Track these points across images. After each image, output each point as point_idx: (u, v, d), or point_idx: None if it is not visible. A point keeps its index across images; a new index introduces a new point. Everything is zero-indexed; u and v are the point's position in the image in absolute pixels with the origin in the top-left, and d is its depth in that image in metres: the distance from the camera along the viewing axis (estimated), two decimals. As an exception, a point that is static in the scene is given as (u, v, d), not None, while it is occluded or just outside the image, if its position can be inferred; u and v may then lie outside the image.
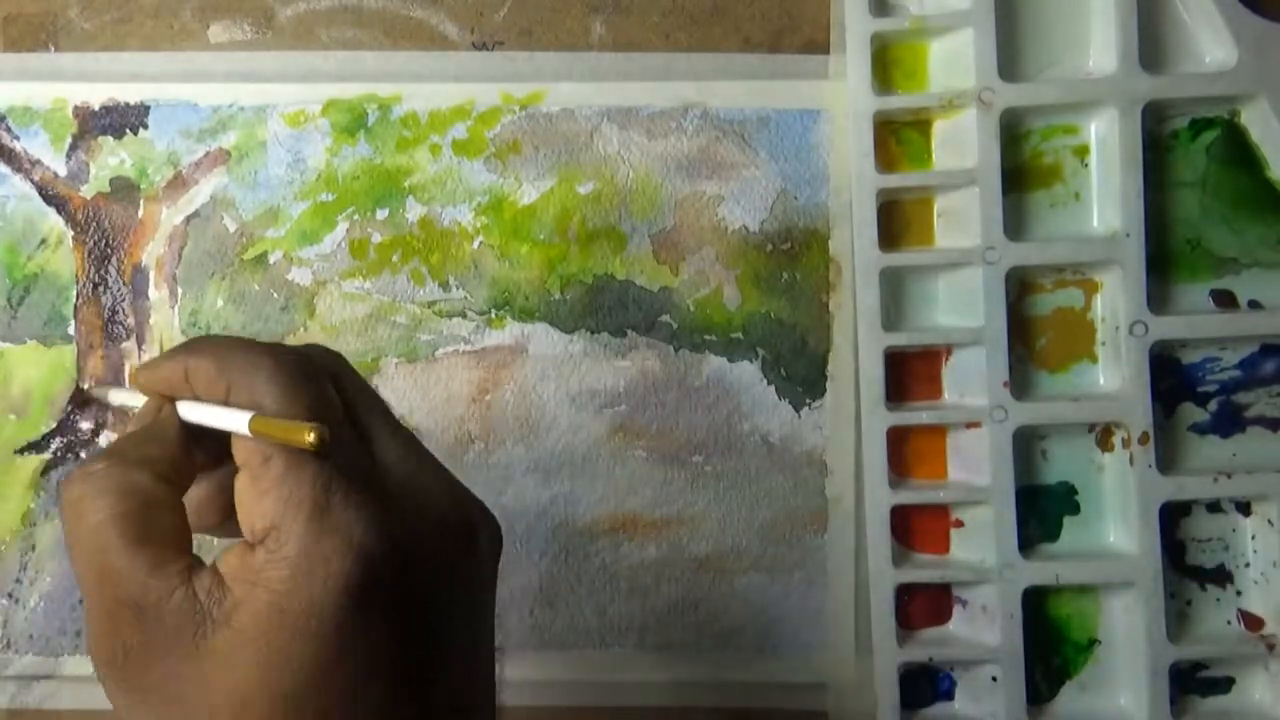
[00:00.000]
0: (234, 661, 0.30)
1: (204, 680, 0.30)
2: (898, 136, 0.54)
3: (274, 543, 0.30)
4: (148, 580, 0.30)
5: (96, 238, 0.54)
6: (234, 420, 0.32)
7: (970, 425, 0.52)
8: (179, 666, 0.30)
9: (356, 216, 0.54)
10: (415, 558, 0.32)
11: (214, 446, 0.34)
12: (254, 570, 0.30)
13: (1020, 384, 0.52)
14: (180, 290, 0.54)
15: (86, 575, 0.31)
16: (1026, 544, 0.52)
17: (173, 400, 0.35)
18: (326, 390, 0.34)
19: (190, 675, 0.30)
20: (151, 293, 0.54)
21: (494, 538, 0.36)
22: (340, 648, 0.30)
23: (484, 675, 0.35)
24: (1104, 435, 0.53)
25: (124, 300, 0.54)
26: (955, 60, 0.52)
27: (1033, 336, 0.53)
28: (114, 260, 0.54)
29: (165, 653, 0.30)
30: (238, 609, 0.30)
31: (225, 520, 0.35)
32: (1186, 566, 0.52)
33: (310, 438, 0.29)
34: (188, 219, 0.54)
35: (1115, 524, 0.52)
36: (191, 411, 0.34)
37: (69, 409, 0.53)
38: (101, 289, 0.54)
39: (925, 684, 0.53)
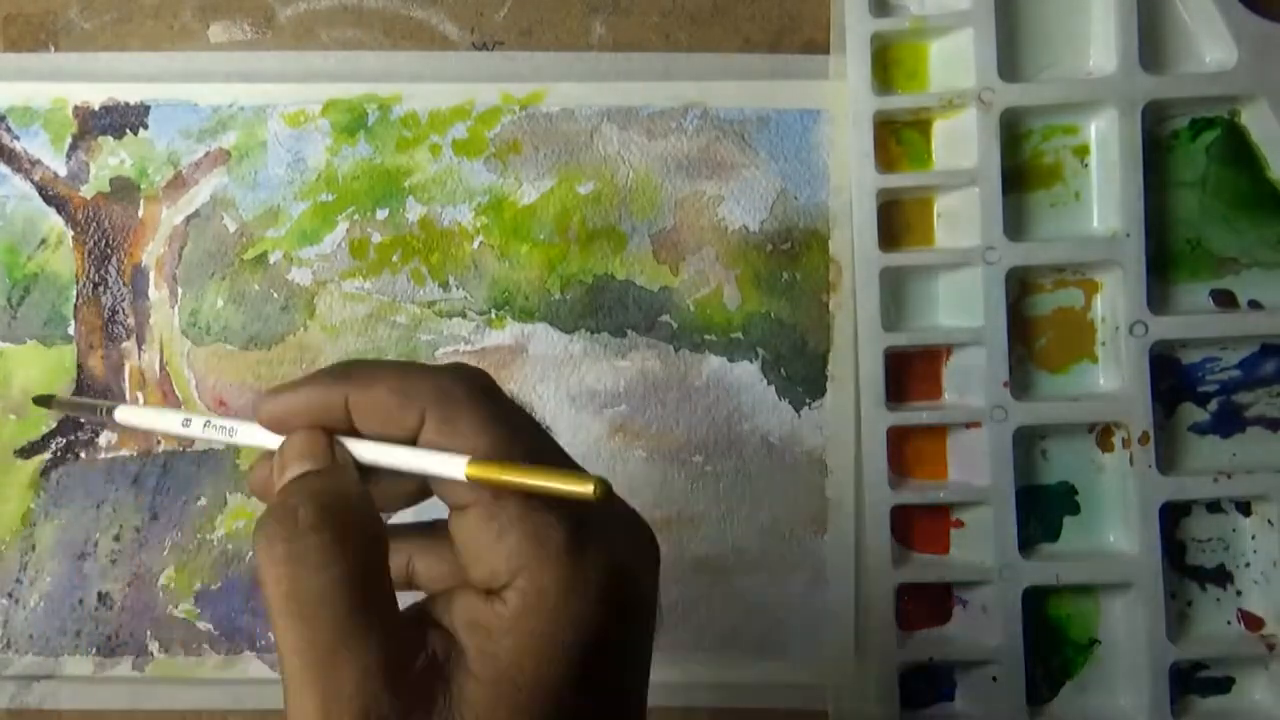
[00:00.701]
0: (494, 715, 0.28)
1: None
2: (898, 136, 0.54)
3: (527, 584, 0.29)
4: (389, 644, 0.28)
5: (96, 238, 0.54)
6: (446, 465, 0.29)
7: (970, 425, 0.52)
8: None
9: (356, 216, 0.54)
10: (637, 586, 0.31)
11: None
12: (502, 617, 0.29)
13: (1020, 384, 0.52)
14: (180, 290, 0.54)
15: (318, 642, 0.28)
16: (1026, 544, 0.52)
17: (329, 433, 0.31)
18: (532, 425, 0.32)
19: None
20: (151, 293, 0.54)
21: (659, 553, 0.35)
22: (595, 679, 0.30)
23: None
24: (1104, 435, 0.53)
25: (124, 300, 0.54)
26: (955, 60, 0.52)
27: (1033, 336, 0.53)
28: (114, 260, 0.54)
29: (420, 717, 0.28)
30: (484, 662, 0.29)
31: None
32: (1186, 567, 0.52)
33: (592, 489, 0.27)
34: (188, 219, 0.54)
35: (1115, 524, 0.52)
36: (373, 452, 0.31)
37: (69, 409, 0.54)
38: (101, 289, 0.54)
39: (925, 684, 0.53)
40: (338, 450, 0.31)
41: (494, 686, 0.28)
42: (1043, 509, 0.53)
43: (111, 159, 0.54)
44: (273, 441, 0.32)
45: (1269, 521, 0.52)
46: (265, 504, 0.32)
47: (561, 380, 0.54)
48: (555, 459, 0.31)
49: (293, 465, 0.31)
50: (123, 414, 0.36)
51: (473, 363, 0.52)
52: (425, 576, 0.34)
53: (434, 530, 0.33)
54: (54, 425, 0.53)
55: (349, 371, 0.31)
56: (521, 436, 0.30)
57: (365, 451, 0.31)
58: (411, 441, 0.30)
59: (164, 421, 0.35)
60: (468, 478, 0.29)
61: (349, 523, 0.29)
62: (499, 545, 0.29)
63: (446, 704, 0.28)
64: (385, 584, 0.30)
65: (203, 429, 0.34)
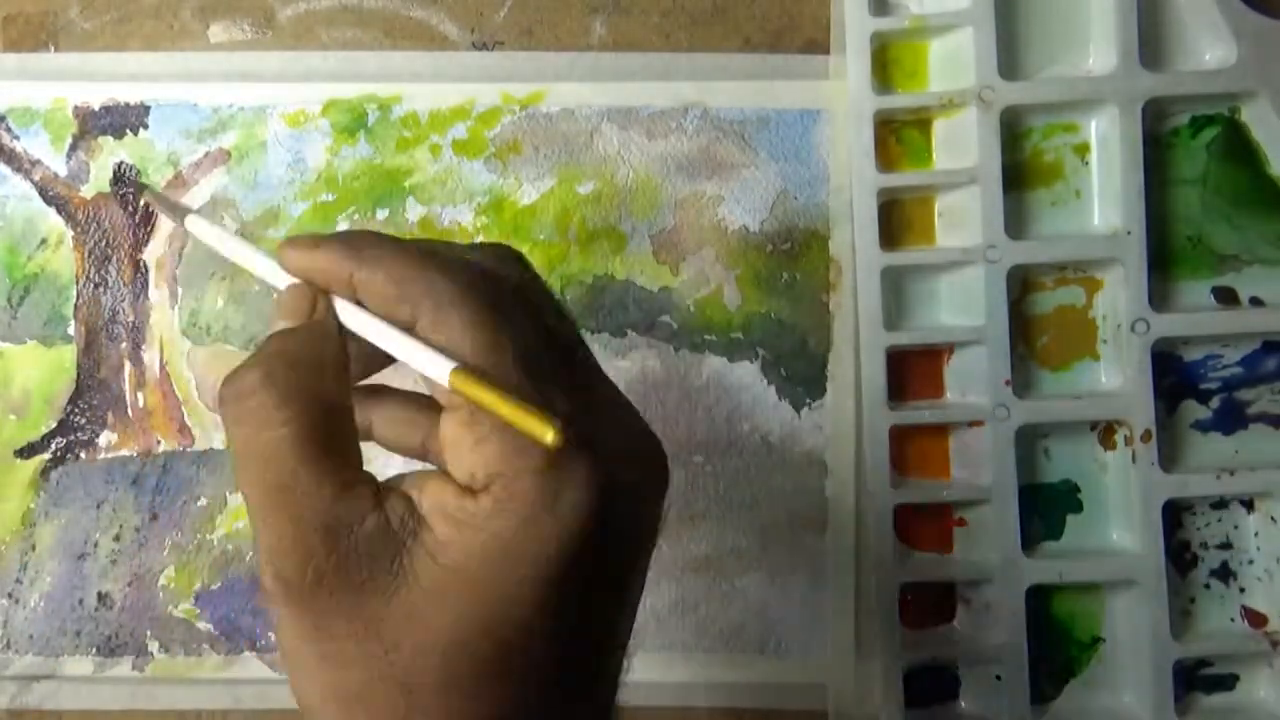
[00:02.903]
0: (444, 602, 0.28)
1: (407, 616, 0.28)
2: (898, 136, 0.54)
3: (501, 491, 0.28)
4: (337, 502, 0.29)
5: (96, 238, 0.54)
6: (431, 366, 0.29)
7: (972, 424, 0.52)
8: (375, 599, 0.28)
9: (357, 217, 0.54)
10: (635, 509, 0.31)
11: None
12: (472, 514, 0.28)
13: (1022, 382, 0.52)
14: (180, 290, 0.54)
15: (263, 493, 0.29)
16: (1029, 542, 0.52)
17: (326, 293, 0.32)
18: (528, 317, 0.31)
19: (389, 610, 0.28)
20: (151, 293, 0.54)
21: (668, 476, 0.34)
22: (564, 598, 0.29)
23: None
24: (1106, 433, 0.53)
25: (124, 300, 0.54)
26: (955, 59, 0.52)
27: (1034, 335, 0.53)
28: (114, 260, 0.54)
29: (361, 582, 0.28)
30: (445, 548, 0.28)
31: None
32: (1190, 564, 0.52)
33: (550, 439, 0.27)
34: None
35: (1118, 522, 0.52)
36: (359, 323, 0.31)
37: (69, 409, 0.53)
38: (101, 289, 0.54)
39: (929, 683, 0.53)
40: (320, 303, 0.32)
41: (450, 573, 0.28)
42: (1045, 507, 0.53)
43: (111, 159, 0.54)
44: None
45: (1272, 518, 0.52)
46: None
47: (562, 380, 0.53)
48: (543, 376, 0.30)
49: (276, 321, 0.32)
50: (191, 222, 0.37)
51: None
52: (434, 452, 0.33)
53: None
54: (54, 425, 0.53)
55: (361, 247, 0.31)
56: (511, 345, 0.30)
57: (365, 328, 0.31)
58: (411, 328, 0.31)
59: (222, 243, 0.36)
60: (451, 385, 0.28)
61: (298, 383, 0.30)
62: (478, 451, 0.29)
63: (394, 571, 0.28)
64: (340, 444, 0.30)
65: (250, 260, 0.35)
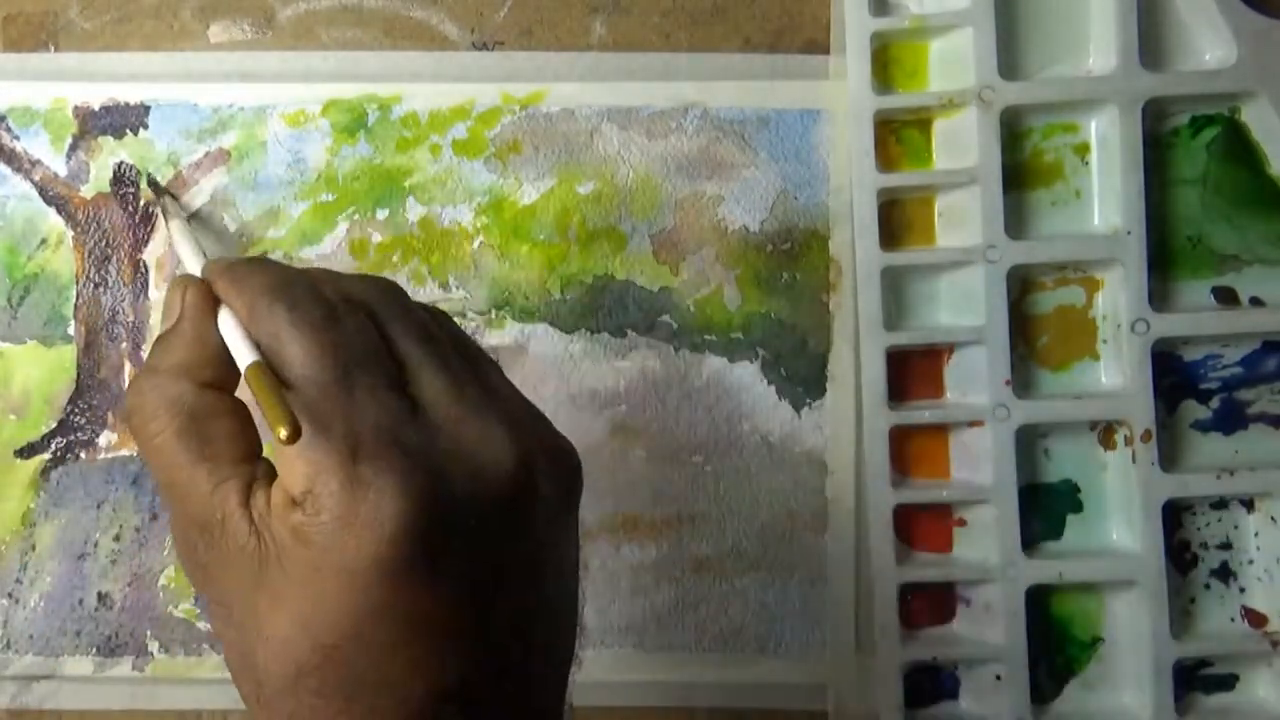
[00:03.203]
0: (280, 602, 0.30)
1: (257, 611, 0.30)
2: (898, 136, 0.54)
3: (311, 508, 0.29)
4: (210, 499, 0.31)
5: (96, 238, 0.54)
6: (241, 358, 0.32)
7: (972, 424, 0.52)
8: (241, 591, 0.31)
9: (356, 216, 0.54)
10: (457, 520, 0.30)
11: None
12: (295, 526, 0.30)
13: (1022, 382, 0.52)
14: (180, 290, 0.54)
15: (162, 495, 0.32)
16: (1029, 542, 0.52)
17: (214, 298, 0.34)
18: (359, 334, 0.33)
19: (248, 603, 0.31)
20: (152, 293, 0.54)
21: (562, 475, 0.34)
22: (377, 611, 0.30)
23: (550, 623, 0.34)
24: (1106, 433, 0.53)
25: (124, 300, 0.54)
26: (955, 59, 0.52)
27: (1034, 335, 0.53)
28: (114, 260, 0.54)
29: (232, 575, 0.31)
30: (284, 553, 0.30)
31: None
32: (1189, 564, 0.52)
33: (282, 433, 0.29)
34: (188, 219, 0.54)
35: (1118, 522, 0.52)
36: (226, 328, 0.33)
37: (69, 409, 0.53)
38: (101, 289, 0.54)
39: (928, 683, 0.53)
40: (197, 302, 0.34)
41: (283, 575, 0.30)
42: (1045, 507, 0.53)
43: (111, 159, 0.54)
44: None
45: (1272, 518, 0.52)
46: None
47: (562, 380, 0.54)
48: (362, 388, 0.31)
49: (163, 319, 0.35)
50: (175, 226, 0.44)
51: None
52: None
53: None
54: (54, 425, 0.53)
55: (243, 274, 0.34)
56: (332, 355, 0.32)
57: (222, 323, 0.34)
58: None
59: (174, 229, 0.43)
60: (245, 377, 0.31)
61: (162, 395, 0.32)
62: (291, 468, 0.30)
63: (252, 567, 0.31)
64: (214, 442, 0.32)
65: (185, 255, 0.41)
